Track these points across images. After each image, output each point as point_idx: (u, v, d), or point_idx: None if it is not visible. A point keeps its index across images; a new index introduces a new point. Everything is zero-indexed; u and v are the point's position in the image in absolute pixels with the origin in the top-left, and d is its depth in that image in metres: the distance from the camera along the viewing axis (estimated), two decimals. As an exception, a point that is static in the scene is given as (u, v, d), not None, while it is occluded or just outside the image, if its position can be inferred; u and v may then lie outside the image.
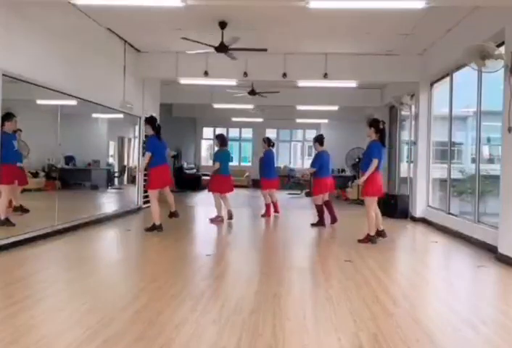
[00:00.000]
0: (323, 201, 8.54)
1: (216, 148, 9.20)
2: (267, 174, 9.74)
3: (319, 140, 8.72)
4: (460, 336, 3.30)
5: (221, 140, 9.04)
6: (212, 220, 8.74)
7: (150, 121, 7.51)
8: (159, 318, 3.42)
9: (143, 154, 7.75)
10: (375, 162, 6.54)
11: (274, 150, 10.49)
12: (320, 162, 8.49)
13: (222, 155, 8.89)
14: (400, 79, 9.98)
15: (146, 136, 8.52)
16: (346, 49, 9.46)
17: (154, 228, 7.34)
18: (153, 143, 7.37)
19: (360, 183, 6.79)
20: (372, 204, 6.69)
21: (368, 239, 6.65)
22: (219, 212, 8.79)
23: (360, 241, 6.69)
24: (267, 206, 9.76)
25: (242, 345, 2.99)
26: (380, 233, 6.83)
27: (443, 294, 4.52)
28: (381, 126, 6.80)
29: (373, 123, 6.80)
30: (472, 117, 8.59)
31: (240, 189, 14.78)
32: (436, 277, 5.40)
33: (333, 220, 8.52)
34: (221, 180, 8.75)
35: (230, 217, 8.81)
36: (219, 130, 21.15)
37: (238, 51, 7.91)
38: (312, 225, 8.48)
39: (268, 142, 9.94)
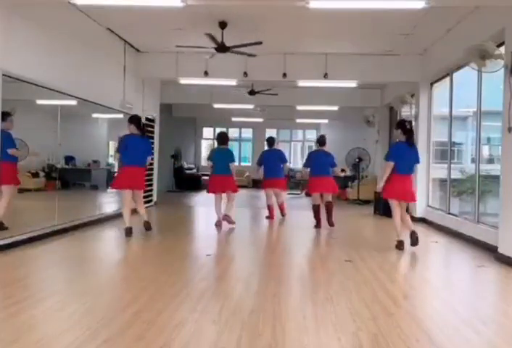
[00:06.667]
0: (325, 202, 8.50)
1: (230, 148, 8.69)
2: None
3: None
4: (460, 336, 3.30)
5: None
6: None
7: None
8: (159, 318, 3.42)
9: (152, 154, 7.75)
10: (387, 164, 6.33)
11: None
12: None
13: None
14: (400, 79, 9.98)
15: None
16: (346, 49, 9.46)
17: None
18: None
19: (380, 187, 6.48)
20: None
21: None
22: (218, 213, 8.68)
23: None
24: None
25: (242, 345, 2.99)
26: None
27: (443, 294, 4.52)
28: (408, 126, 6.51)
29: (399, 124, 6.55)
30: (472, 117, 8.59)
31: (240, 189, 14.72)
32: (436, 277, 5.40)
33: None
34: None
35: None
36: (219, 130, 21.14)
37: (235, 48, 7.91)
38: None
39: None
